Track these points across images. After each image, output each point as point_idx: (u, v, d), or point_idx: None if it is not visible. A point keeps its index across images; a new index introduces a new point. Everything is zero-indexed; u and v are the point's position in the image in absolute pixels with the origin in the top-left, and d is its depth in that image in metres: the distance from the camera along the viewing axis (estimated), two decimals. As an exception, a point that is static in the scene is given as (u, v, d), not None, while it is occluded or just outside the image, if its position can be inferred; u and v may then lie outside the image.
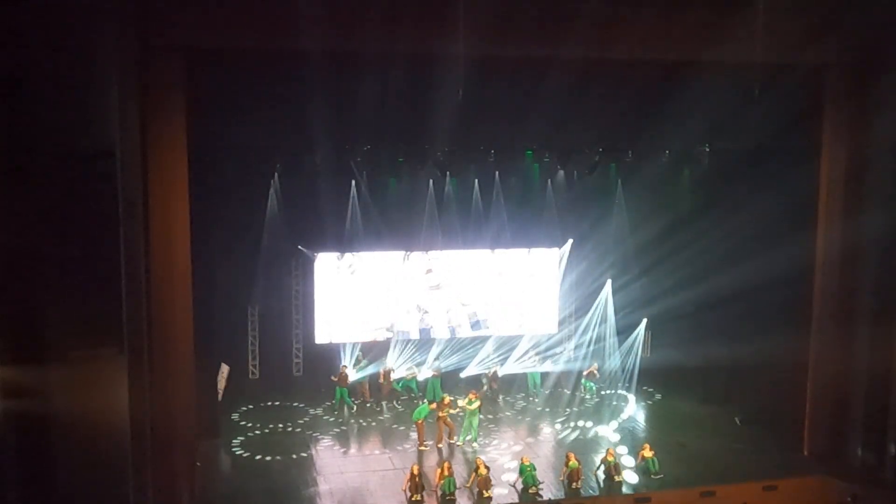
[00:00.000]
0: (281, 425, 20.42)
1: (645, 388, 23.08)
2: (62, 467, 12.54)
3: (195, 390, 16.32)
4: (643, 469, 17.53)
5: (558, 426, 20.67)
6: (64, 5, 12.08)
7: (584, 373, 22.87)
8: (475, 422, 19.42)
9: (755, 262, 19.66)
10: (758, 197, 19.92)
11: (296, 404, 21.64)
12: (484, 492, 16.45)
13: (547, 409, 21.81)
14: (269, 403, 21.63)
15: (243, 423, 20.47)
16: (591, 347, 23.69)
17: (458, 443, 19.25)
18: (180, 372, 15.47)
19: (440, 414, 19.09)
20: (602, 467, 17.44)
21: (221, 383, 20.25)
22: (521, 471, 16.88)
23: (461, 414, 19.63)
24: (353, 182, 21.92)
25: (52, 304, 12.42)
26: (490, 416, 21.10)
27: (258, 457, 18.50)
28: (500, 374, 22.63)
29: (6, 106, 11.95)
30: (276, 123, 18.88)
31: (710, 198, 21.88)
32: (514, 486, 16.85)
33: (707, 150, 22.20)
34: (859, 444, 17.39)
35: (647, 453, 17.63)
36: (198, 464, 16.83)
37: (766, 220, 19.69)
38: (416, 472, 16.44)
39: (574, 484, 16.90)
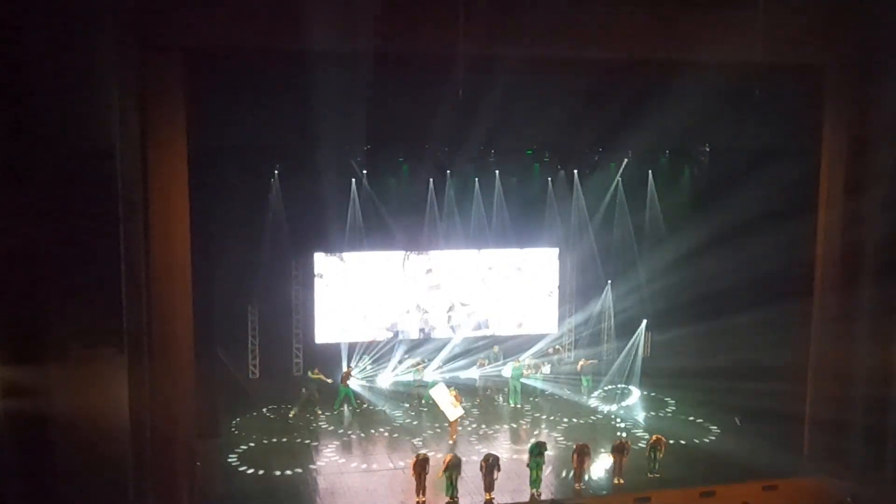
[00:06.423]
0: (281, 425, 20.40)
1: (645, 388, 23.08)
2: (62, 467, 12.54)
3: (195, 390, 16.31)
4: (651, 458, 17.39)
5: (557, 426, 20.71)
6: (64, 5, 12.08)
7: (578, 367, 22.75)
8: (518, 386, 21.70)
9: (755, 262, 19.66)
10: (757, 197, 19.92)
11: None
12: (486, 493, 16.44)
13: (547, 409, 21.82)
14: (270, 404, 21.64)
15: (243, 423, 20.47)
16: (591, 345, 23.71)
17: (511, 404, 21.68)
18: (180, 372, 15.44)
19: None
20: (603, 466, 17.41)
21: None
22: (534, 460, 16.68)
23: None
24: (354, 182, 21.95)
25: (52, 304, 12.42)
26: (490, 417, 21.17)
27: (258, 456, 18.47)
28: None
29: (6, 105, 11.95)
30: (276, 123, 18.86)
31: (709, 198, 21.87)
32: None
33: (707, 150, 22.21)
34: (859, 444, 17.38)
35: (657, 445, 17.48)
36: (198, 464, 16.83)
37: (766, 219, 19.70)
38: (421, 456, 16.12)
39: (576, 485, 16.90)
